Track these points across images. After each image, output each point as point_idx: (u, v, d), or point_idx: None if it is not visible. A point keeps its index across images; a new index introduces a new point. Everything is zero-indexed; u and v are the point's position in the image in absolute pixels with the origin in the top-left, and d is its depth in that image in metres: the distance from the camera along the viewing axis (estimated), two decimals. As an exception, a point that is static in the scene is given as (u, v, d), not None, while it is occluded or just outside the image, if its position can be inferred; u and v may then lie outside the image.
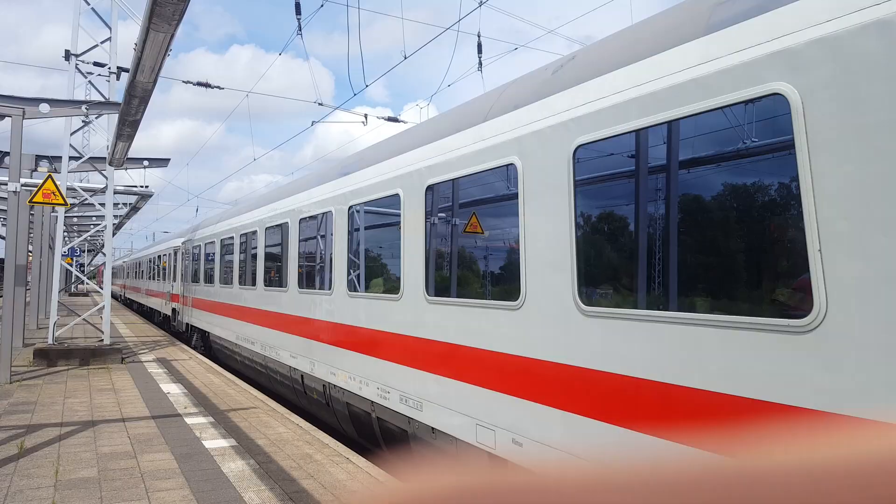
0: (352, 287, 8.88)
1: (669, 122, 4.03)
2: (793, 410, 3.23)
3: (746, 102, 3.58)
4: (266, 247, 12.73)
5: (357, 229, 9.13)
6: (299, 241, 10.74)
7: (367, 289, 8.54)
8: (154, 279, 31.75)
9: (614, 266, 4.81)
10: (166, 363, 15.41)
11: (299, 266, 10.78)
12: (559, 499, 0.40)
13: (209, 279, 17.82)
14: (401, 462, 7.30)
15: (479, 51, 14.66)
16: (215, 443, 7.95)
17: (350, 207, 8.90)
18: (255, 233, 13.29)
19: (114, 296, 49.56)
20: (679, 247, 4.17)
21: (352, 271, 9.01)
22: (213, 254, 17.33)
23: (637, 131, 4.30)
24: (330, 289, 9.28)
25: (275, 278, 12.15)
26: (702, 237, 4.14)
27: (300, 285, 10.65)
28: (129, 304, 45.85)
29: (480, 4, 12.50)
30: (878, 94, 2.98)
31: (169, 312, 25.72)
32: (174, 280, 24.41)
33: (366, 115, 18.23)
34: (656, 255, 4.35)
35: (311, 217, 10.36)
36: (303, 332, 10.29)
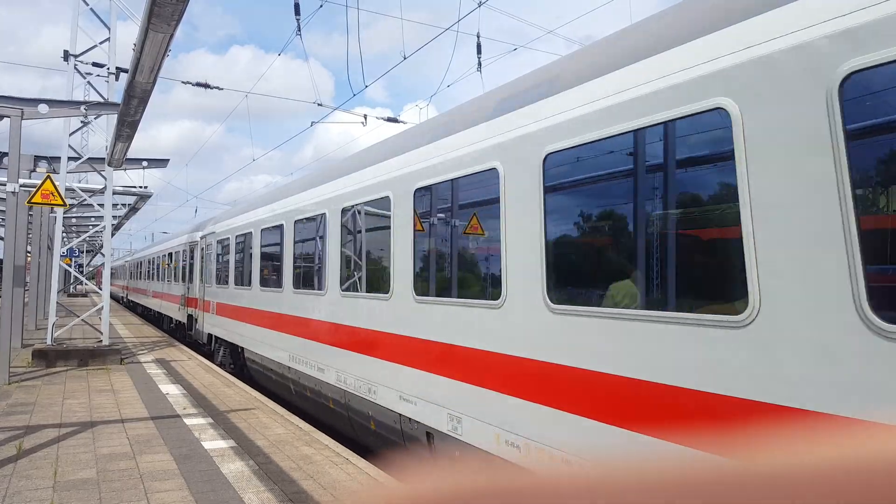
0: (558, 296, 5.01)
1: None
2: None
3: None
4: (344, 236, 9.02)
5: (561, 194, 5.47)
6: (415, 222, 7.07)
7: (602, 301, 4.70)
8: (163, 280, 27.76)
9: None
10: (165, 364, 15.39)
11: (416, 262, 7.09)
12: (559, 499, 0.40)
13: (243, 280, 13.92)
14: (400, 463, 7.26)
15: (479, 51, 14.68)
16: (214, 444, 7.94)
17: (546, 158, 5.12)
18: (322, 217, 9.60)
19: (115, 298, 49.33)
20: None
21: (548, 268, 5.14)
22: (250, 248, 13.40)
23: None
24: (499, 299, 5.46)
25: (363, 281, 8.65)
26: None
27: (419, 291, 6.95)
28: (133, 308, 42.18)
29: (480, 5, 12.51)
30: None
31: (183, 319, 21.78)
32: (190, 281, 20.68)
33: (365, 116, 18.25)
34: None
35: (446, 181, 6.53)
36: (427, 365, 6.69)
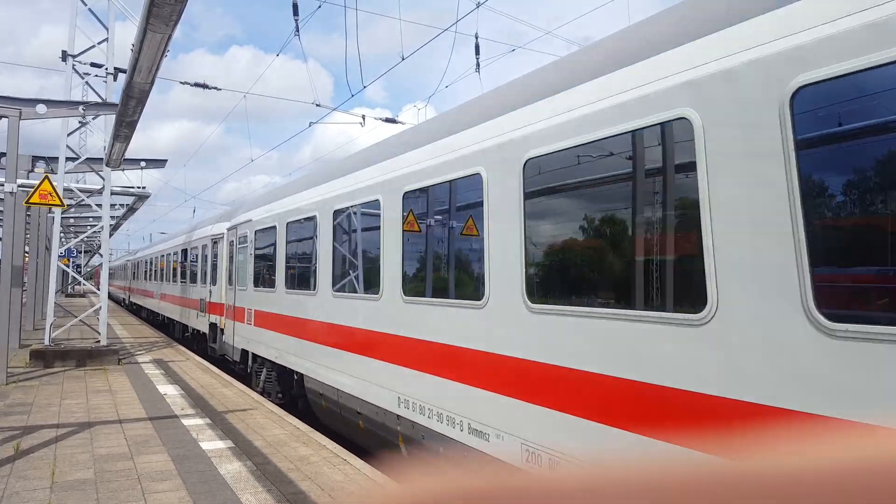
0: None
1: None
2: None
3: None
4: (530, 209, 5.38)
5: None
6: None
7: None
8: (175, 281, 24.18)
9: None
10: (163, 364, 15.38)
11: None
12: (558, 500, 0.40)
13: (301, 282, 10.51)
14: (398, 464, 7.26)
15: (477, 52, 14.70)
16: (212, 444, 7.94)
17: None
18: (475, 180, 6.01)
19: (116, 300, 48.98)
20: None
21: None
22: (313, 240, 9.80)
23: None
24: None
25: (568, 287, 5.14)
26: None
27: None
28: (137, 311, 38.34)
29: (478, 6, 12.52)
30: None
31: (203, 328, 18.22)
32: (213, 283, 17.31)
33: (363, 116, 18.25)
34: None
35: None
36: None
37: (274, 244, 11.70)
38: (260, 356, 12.48)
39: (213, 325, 17.06)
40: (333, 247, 9.23)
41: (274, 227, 11.75)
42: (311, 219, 9.96)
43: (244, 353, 13.65)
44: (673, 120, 4.00)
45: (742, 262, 3.50)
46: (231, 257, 15.17)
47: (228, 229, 15.54)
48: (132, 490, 6.19)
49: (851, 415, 2.96)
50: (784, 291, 3.24)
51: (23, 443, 7.89)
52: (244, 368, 13.73)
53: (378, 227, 7.79)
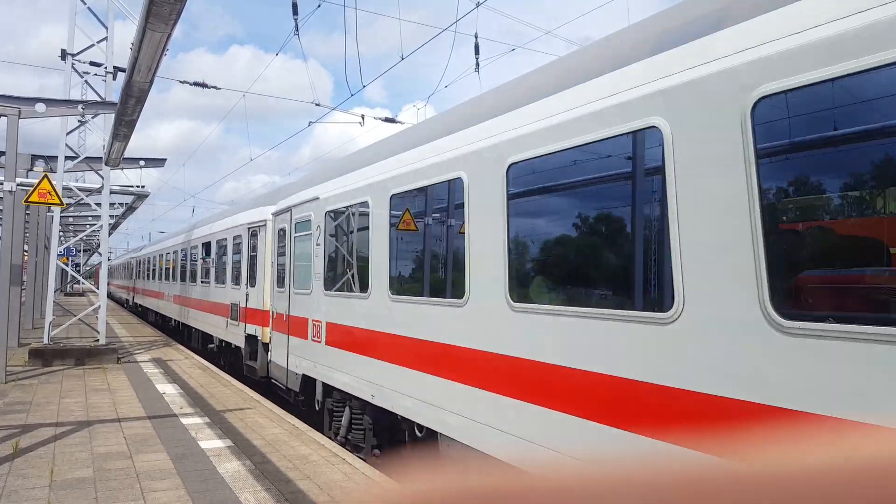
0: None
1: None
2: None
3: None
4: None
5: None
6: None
7: None
8: (193, 280, 20.48)
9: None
10: (162, 363, 15.37)
11: None
12: (556, 500, 0.40)
13: (430, 285, 6.83)
14: (398, 463, 7.26)
15: (477, 52, 14.69)
16: (211, 443, 7.94)
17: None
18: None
19: (119, 301, 48.86)
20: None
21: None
22: (463, 216, 5.96)
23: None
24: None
25: None
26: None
27: None
28: (143, 314, 33.88)
29: (478, 5, 12.52)
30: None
31: (237, 342, 14.59)
32: (250, 283, 13.98)
33: (363, 116, 18.24)
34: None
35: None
36: None
37: (366, 228, 8.00)
38: (340, 390, 8.77)
39: (250, 338, 13.62)
40: (509, 226, 5.37)
41: (366, 204, 8.05)
42: (452, 183, 6.29)
43: (306, 380, 10.01)
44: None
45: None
46: (279, 250, 11.81)
47: (275, 214, 12.13)
48: (131, 489, 6.20)
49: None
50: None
51: (22, 441, 7.88)
52: (305, 401, 10.26)
53: (630, 183, 4.47)
